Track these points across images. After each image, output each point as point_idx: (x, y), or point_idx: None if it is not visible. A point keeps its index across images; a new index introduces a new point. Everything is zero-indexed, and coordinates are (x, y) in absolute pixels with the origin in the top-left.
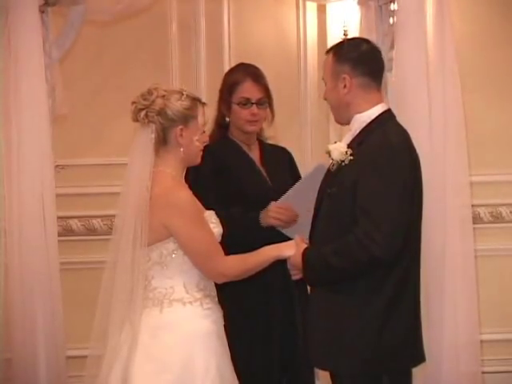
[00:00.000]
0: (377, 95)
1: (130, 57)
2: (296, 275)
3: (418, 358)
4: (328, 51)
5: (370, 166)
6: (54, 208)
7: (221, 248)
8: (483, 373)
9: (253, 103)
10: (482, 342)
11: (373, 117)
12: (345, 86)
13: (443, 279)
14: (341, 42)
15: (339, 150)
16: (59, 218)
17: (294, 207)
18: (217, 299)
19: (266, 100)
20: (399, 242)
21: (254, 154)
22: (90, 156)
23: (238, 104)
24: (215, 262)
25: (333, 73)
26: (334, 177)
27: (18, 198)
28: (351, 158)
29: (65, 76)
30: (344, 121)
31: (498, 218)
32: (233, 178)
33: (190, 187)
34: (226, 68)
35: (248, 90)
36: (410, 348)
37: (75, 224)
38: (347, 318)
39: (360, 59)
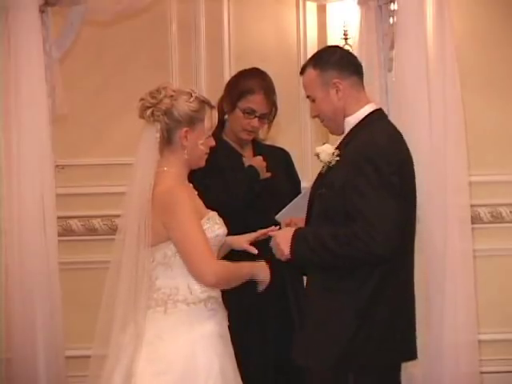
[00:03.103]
0: (365, 94)
1: (129, 57)
2: (280, 256)
3: (401, 357)
4: (303, 69)
5: (355, 166)
6: (54, 208)
7: (213, 252)
8: (483, 373)
9: (256, 116)
10: (481, 342)
11: (361, 117)
12: (337, 91)
13: (443, 279)
14: (313, 56)
15: (326, 151)
16: (59, 217)
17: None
18: (221, 299)
19: (268, 115)
20: (397, 238)
21: (248, 154)
22: (90, 156)
23: (243, 111)
24: (207, 263)
25: (321, 83)
26: (323, 178)
27: (17, 198)
28: (338, 158)
29: (65, 76)
30: (341, 130)
31: (497, 218)
32: (225, 177)
33: (195, 187)
34: (226, 68)
35: (257, 102)
36: (389, 348)
37: (75, 224)
38: (327, 316)
39: (343, 61)
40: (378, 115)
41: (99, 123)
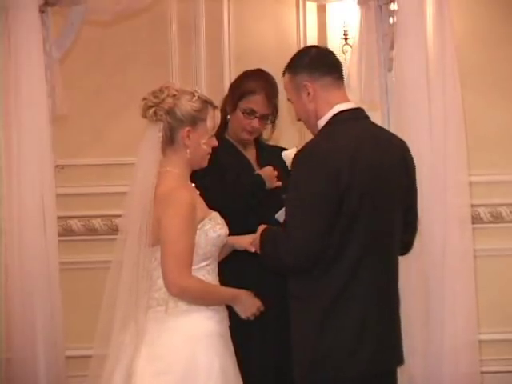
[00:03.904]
0: (338, 94)
1: (129, 57)
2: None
3: (376, 366)
4: (283, 73)
5: (292, 172)
6: (54, 208)
7: (191, 265)
8: (483, 373)
9: (256, 116)
10: (481, 342)
11: (327, 119)
12: (308, 94)
13: (443, 279)
14: (290, 59)
15: (288, 156)
16: (59, 217)
17: None
18: None
19: (270, 117)
20: (308, 248)
21: (250, 154)
22: (90, 156)
23: (243, 112)
24: (177, 273)
25: (293, 87)
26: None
27: (18, 198)
28: None
29: (65, 76)
30: (317, 132)
31: (497, 218)
32: (229, 178)
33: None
34: (226, 68)
35: (257, 103)
36: (356, 355)
37: (75, 224)
38: (294, 323)
39: (313, 62)
40: (345, 116)
41: (99, 123)
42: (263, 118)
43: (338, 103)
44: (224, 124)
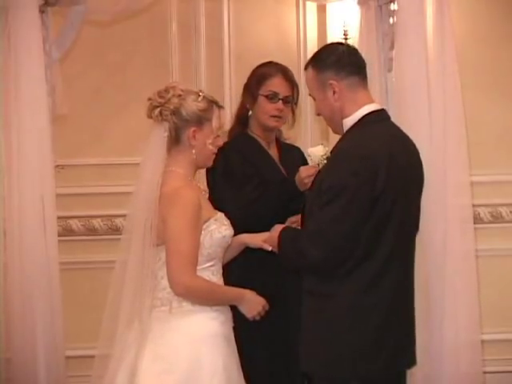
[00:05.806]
0: (364, 94)
1: (130, 56)
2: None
3: (392, 364)
4: (306, 66)
5: (326, 171)
6: (54, 208)
7: (196, 264)
8: (484, 373)
9: (280, 99)
10: (482, 342)
11: (356, 119)
12: (334, 93)
13: (444, 279)
14: (314, 54)
15: (315, 153)
16: (59, 217)
17: None
18: None
19: (292, 99)
20: (337, 247)
21: (273, 153)
22: (90, 156)
23: (266, 96)
24: (181, 273)
25: (318, 84)
26: (314, 179)
27: (18, 198)
28: (325, 161)
29: (65, 76)
30: (340, 130)
31: (498, 218)
32: (258, 176)
33: (209, 186)
34: (226, 68)
35: (278, 84)
36: (379, 354)
37: (75, 224)
38: (308, 320)
39: (341, 61)
40: (375, 117)
41: (99, 123)
42: (286, 100)
43: (365, 104)
44: (244, 124)
